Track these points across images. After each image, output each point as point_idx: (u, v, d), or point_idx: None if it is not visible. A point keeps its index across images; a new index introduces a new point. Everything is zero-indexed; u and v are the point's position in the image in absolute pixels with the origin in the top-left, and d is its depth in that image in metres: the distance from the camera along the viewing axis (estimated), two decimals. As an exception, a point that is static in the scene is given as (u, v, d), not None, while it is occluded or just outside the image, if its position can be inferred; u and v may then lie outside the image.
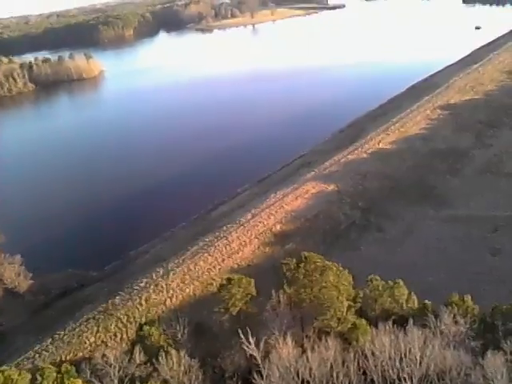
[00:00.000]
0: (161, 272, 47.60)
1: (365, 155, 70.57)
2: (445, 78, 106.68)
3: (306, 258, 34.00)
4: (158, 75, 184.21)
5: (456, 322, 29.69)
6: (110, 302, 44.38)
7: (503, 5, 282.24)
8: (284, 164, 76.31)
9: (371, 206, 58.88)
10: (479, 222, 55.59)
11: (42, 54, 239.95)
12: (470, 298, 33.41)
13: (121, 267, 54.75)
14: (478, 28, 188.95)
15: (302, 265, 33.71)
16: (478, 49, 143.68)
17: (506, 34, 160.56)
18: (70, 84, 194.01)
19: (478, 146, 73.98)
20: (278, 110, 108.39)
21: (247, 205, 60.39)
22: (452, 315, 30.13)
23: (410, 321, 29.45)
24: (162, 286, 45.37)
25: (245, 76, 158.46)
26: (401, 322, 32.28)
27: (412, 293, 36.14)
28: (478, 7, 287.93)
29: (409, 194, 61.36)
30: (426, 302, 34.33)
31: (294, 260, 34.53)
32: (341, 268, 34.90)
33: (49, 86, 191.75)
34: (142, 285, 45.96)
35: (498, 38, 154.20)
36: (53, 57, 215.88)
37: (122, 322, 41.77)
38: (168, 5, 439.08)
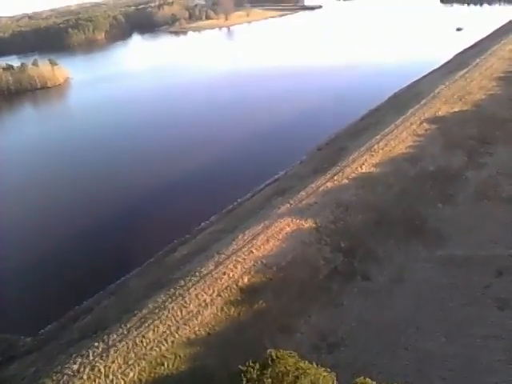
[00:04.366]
0: (99, 348, 38.41)
1: (346, 181, 62.19)
2: (429, 86, 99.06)
3: (273, 359, 25.46)
4: (127, 83, 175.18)
5: None
6: (32, 393, 35.30)
7: (481, 4, 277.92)
8: (254, 191, 68.05)
9: (355, 246, 50.53)
10: (480, 264, 47.55)
11: (7, 60, 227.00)
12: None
13: (58, 331, 45.57)
14: (459, 29, 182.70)
15: (268, 370, 25.15)
16: (462, 52, 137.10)
17: (489, 35, 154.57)
18: (34, 93, 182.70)
19: (471, 166, 66.18)
20: (249, 124, 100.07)
21: (210, 248, 51.48)
22: None
23: None
24: (99, 370, 36.20)
25: (219, 82, 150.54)
26: None
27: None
28: (456, 7, 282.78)
29: (397, 229, 53.22)
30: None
31: (257, 365, 25.84)
32: (321, 369, 26.43)
33: (11, 95, 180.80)
34: (75, 367, 36.71)
35: (482, 41, 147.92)
36: (19, 63, 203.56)
37: (43, 426, 32.79)
38: (141, 6, 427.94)
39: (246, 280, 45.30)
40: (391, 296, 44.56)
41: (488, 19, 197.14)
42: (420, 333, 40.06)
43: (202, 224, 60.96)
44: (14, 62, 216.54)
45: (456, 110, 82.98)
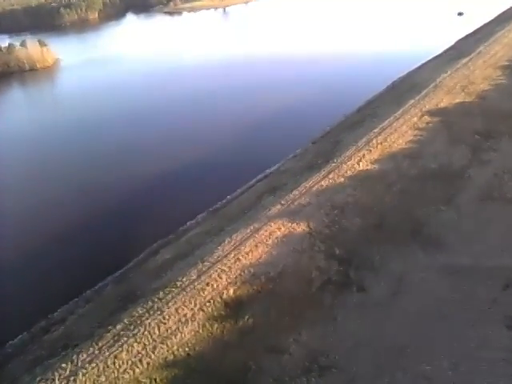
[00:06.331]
0: (67, 370, 34.76)
1: (342, 179, 58.28)
2: (430, 75, 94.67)
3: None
4: (119, 66, 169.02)
5: None
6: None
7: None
8: (244, 187, 64.16)
9: (351, 253, 46.77)
10: (485, 275, 43.78)
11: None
12: None
13: (26, 344, 41.84)
14: (460, 14, 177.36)
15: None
16: (464, 38, 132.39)
17: (492, 20, 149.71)
18: (22, 75, 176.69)
19: (475, 163, 62.34)
20: (239, 114, 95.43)
21: (194, 253, 47.73)
22: None
23: None
24: (64, 397, 32.72)
25: (210, 69, 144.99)
26: None
27: None
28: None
29: (396, 233, 49.46)
30: None
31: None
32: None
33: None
34: (38, 395, 33.22)
35: (484, 26, 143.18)
36: (7, 43, 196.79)
37: None
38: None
39: (231, 292, 41.59)
40: (389, 311, 40.96)
41: (490, 3, 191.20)
42: (421, 355, 36.48)
43: (188, 223, 57.07)
44: (3, 41, 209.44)
45: (459, 101, 78.92)
